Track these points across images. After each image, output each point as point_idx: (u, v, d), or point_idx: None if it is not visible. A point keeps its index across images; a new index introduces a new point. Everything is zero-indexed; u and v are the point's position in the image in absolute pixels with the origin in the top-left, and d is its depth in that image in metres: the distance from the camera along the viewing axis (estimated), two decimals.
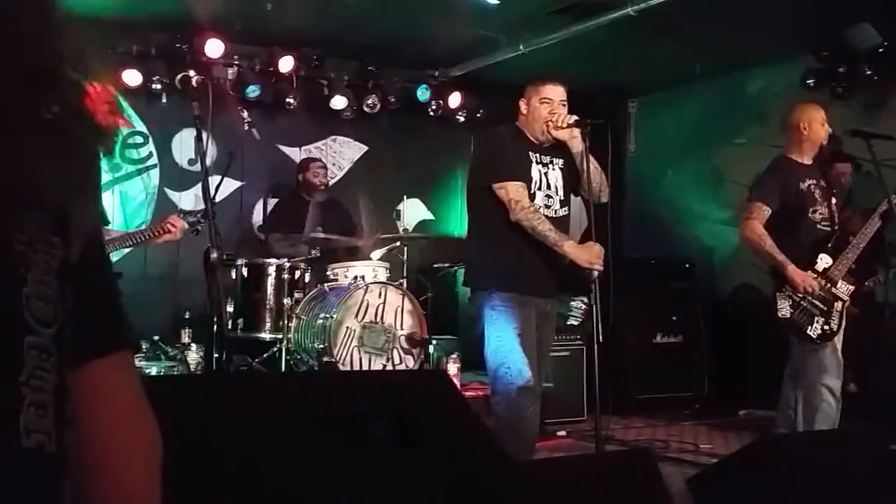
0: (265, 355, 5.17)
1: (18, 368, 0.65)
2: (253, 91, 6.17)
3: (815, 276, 4.01)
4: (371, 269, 5.34)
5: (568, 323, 5.73)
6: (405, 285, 5.42)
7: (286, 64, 6.22)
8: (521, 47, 6.12)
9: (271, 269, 5.31)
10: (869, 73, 5.81)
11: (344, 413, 1.98)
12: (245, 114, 5.07)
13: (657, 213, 7.60)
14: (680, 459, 4.52)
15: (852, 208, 4.65)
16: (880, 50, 5.69)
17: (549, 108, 3.63)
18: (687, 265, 6.82)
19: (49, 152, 0.65)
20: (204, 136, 3.97)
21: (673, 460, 4.50)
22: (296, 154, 6.56)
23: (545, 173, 3.68)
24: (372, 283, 5.13)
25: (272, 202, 6.19)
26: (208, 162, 6.17)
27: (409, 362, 5.12)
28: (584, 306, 5.43)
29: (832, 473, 2.76)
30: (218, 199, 5.58)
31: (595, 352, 3.58)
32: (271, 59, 6.24)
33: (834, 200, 4.19)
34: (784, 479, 2.40)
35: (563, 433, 5.29)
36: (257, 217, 6.40)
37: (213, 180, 5.73)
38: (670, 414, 5.96)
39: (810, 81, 6.18)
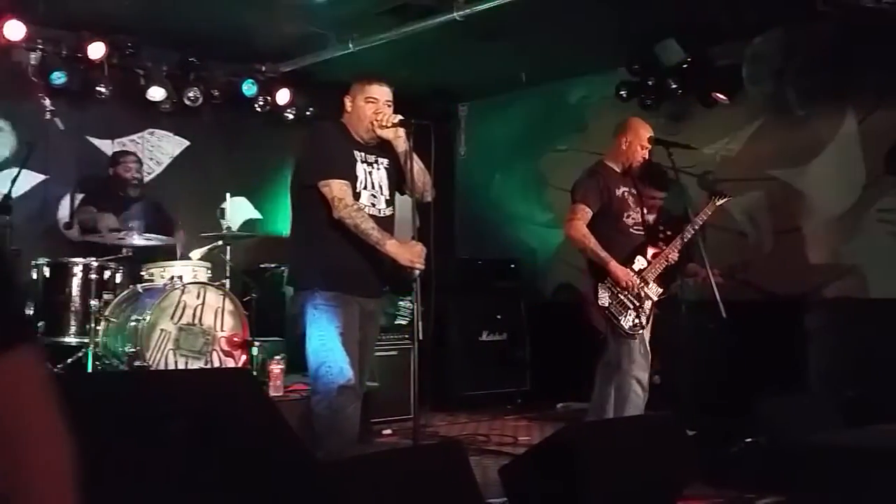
0: (69, 360, 4.84)
1: None
2: (58, 78, 5.72)
3: (633, 273, 4.33)
4: (190, 269, 5.12)
5: (396, 322, 5.78)
6: (227, 286, 5.25)
7: (96, 50, 5.84)
8: (351, 46, 6.09)
9: (77, 269, 4.98)
10: (674, 86, 6.24)
11: (143, 412, 1.89)
12: (47, 102, 4.72)
13: (485, 214, 7.81)
14: (499, 452, 4.66)
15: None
16: (684, 66, 6.12)
17: (374, 107, 3.62)
18: (512, 265, 7.05)
19: None
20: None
21: (493, 453, 4.64)
22: (108, 147, 6.17)
23: (370, 172, 3.67)
24: (190, 283, 4.93)
25: (80, 197, 5.81)
26: (6, 153, 5.78)
27: (230, 364, 4.96)
28: (412, 306, 5.49)
29: (632, 458, 2.94)
30: (16, 193, 5.21)
31: (419, 350, 3.63)
32: (80, 45, 5.84)
33: (644, 209, 4.53)
34: (586, 464, 2.53)
35: (388, 431, 5.31)
36: (63, 213, 5.98)
37: (10, 173, 5.35)
38: (494, 409, 6.15)
39: (623, 93, 6.56)
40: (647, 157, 4.49)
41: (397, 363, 5.60)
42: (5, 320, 0.73)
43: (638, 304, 4.30)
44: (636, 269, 4.34)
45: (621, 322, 4.28)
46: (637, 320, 4.30)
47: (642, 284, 4.32)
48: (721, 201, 4.52)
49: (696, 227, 4.38)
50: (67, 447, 0.74)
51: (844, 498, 2.86)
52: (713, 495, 3.42)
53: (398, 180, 3.75)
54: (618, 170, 4.48)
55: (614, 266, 4.25)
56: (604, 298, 4.31)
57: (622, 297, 4.30)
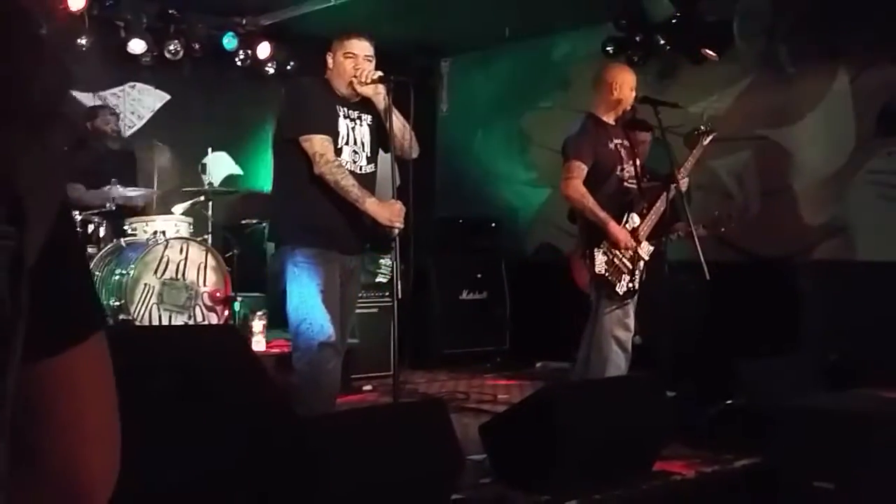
0: None
1: None
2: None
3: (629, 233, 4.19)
4: (173, 223, 5.10)
5: (377, 280, 5.77)
6: (209, 241, 5.23)
7: (76, 2, 5.71)
8: None
9: None
10: (662, 43, 6.14)
11: (128, 367, 1.87)
12: None
13: (467, 172, 7.74)
14: (479, 410, 4.69)
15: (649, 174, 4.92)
16: (673, 21, 6.02)
17: (353, 62, 3.56)
18: (493, 224, 7.04)
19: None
20: None
21: (473, 411, 4.67)
22: (88, 100, 6.07)
23: (352, 128, 3.63)
24: (173, 238, 4.90)
25: None
26: None
27: (213, 319, 4.96)
28: (391, 264, 5.47)
29: (612, 418, 2.96)
30: None
31: (399, 308, 3.61)
32: None
33: (638, 161, 4.38)
34: (566, 424, 2.55)
35: (369, 388, 5.34)
36: None
37: None
38: (473, 367, 6.17)
39: (610, 49, 6.44)
40: (635, 97, 4.33)
41: (378, 320, 5.61)
42: (93, 307, 0.74)
43: (632, 266, 4.18)
44: (630, 229, 4.21)
45: (616, 289, 4.14)
46: (630, 284, 4.17)
47: (636, 245, 4.19)
48: (708, 139, 4.41)
49: (687, 170, 4.30)
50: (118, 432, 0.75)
51: (823, 460, 2.91)
52: (691, 456, 3.46)
53: (382, 137, 3.71)
54: (611, 121, 4.31)
55: (614, 227, 4.08)
56: (600, 264, 4.13)
57: (617, 260, 4.16)
